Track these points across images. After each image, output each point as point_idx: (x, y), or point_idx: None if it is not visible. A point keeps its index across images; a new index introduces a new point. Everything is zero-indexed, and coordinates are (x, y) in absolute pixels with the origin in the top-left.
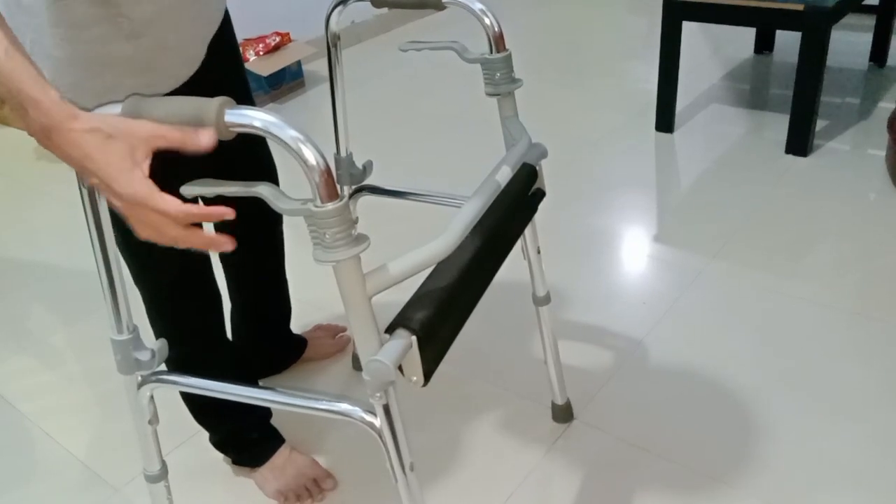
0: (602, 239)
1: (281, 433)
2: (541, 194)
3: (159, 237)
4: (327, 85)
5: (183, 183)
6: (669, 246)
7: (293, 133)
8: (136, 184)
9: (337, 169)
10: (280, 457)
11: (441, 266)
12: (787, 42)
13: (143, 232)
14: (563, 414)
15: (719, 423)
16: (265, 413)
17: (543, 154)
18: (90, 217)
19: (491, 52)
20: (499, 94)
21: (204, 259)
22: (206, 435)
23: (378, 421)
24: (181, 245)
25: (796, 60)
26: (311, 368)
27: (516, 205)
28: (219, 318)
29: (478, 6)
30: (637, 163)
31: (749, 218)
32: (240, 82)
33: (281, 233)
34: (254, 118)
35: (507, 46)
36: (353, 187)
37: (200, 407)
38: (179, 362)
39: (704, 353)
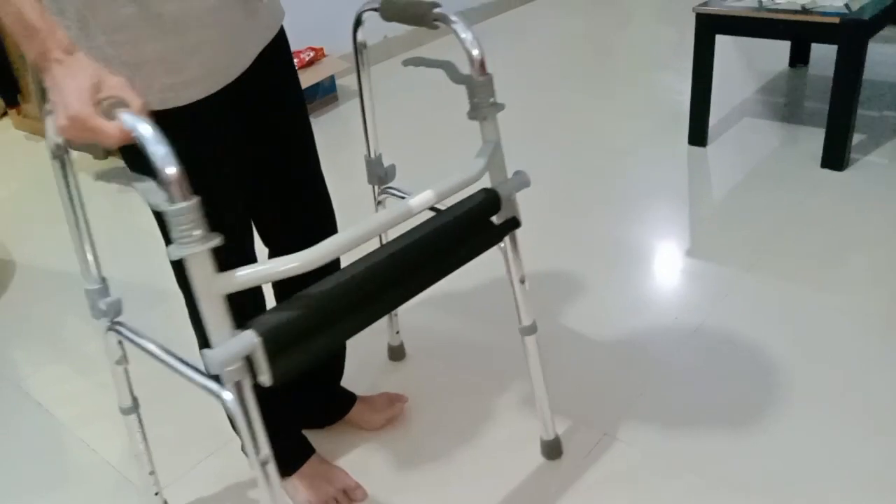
0: (633, 251)
1: (311, 444)
2: (512, 223)
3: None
4: (360, 99)
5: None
6: (702, 259)
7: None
8: (82, 107)
9: (367, 169)
10: (310, 467)
11: (332, 278)
12: (823, 54)
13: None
14: (552, 451)
15: (751, 437)
16: (297, 423)
17: (525, 183)
18: (61, 181)
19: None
20: (477, 118)
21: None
22: (237, 443)
23: (230, 398)
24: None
25: (832, 73)
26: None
27: (460, 230)
28: None
29: (464, 35)
30: (668, 173)
31: (783, 231)
32: (292, 96)
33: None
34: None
35: (487, 70)
36: (381, 188)
37: None
38: None
39: (737, 366)
